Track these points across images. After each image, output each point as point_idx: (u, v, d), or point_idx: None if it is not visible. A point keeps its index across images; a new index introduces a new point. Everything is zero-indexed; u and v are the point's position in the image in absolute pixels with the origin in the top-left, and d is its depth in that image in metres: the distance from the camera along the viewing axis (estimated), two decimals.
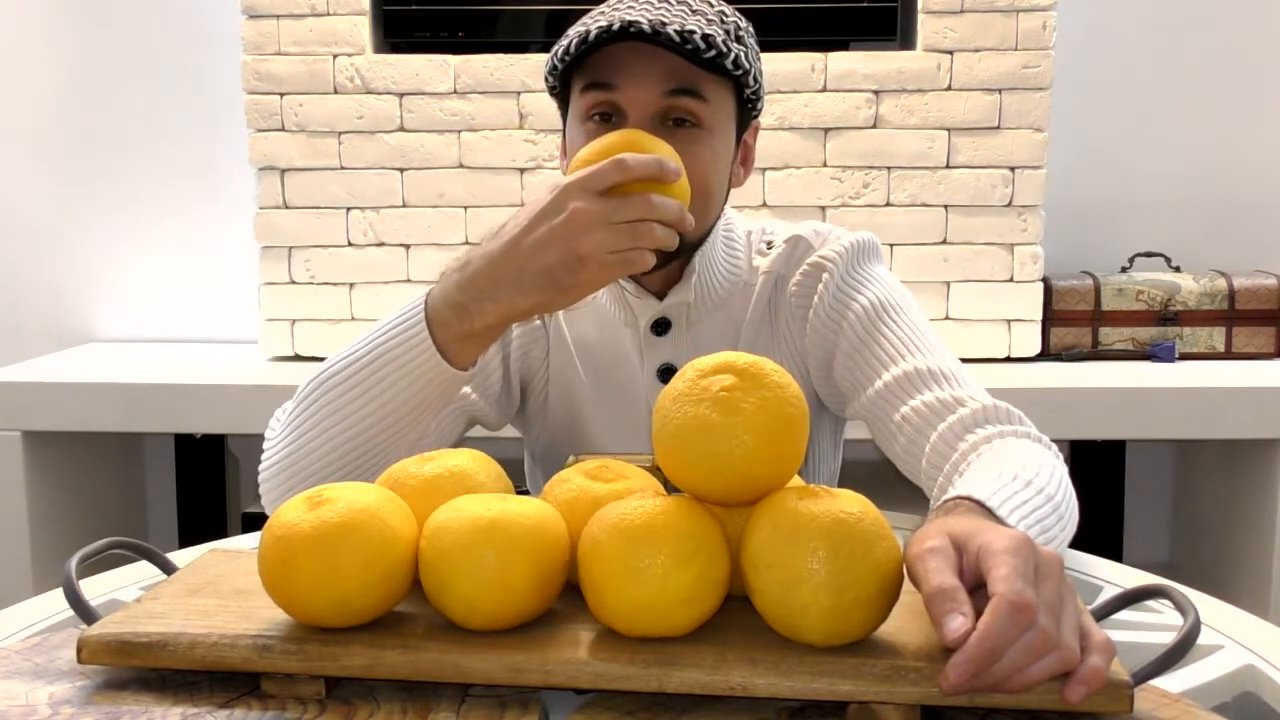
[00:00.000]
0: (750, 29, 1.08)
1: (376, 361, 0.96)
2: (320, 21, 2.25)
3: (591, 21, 1.02)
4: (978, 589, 0.62)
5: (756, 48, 1.08)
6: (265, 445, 1.05)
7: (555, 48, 1.05)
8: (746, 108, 1.09)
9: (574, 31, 1.03)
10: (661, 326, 1.14)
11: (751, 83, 1.06)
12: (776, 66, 2.19)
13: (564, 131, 1.12)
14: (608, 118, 1.04)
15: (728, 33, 1.03)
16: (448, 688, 0.67)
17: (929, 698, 0.61)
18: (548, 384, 1.18)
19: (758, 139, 1.15)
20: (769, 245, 1.16)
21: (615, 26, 0.98)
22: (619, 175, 0.87)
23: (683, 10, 1.02)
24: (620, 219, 0.87)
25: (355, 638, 0.67)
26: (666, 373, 1.13)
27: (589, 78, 1.04)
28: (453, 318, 0.94)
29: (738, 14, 1.07)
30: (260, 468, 1.04)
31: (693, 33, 0.99)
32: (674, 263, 1.10)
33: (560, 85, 1.08)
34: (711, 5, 1.05)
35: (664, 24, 0.98)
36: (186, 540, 2.50)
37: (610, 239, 0.87)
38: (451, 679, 0.66)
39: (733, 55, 1.02)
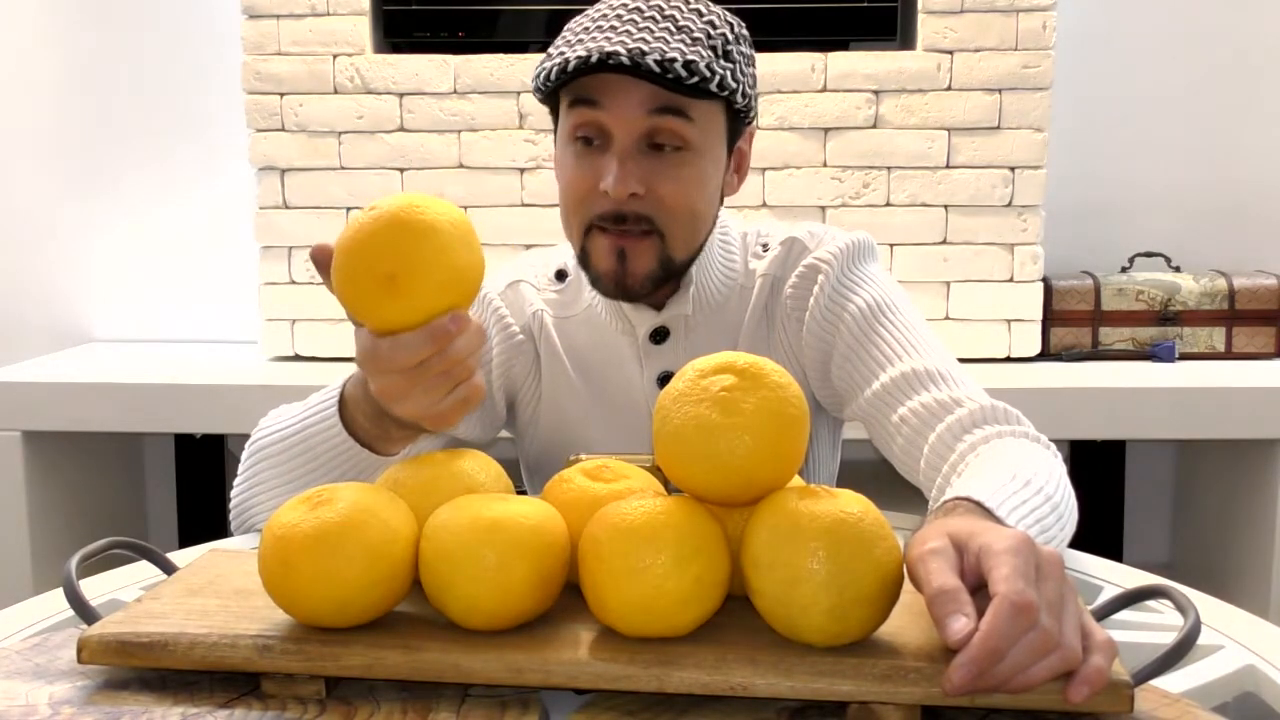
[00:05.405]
0: (743, 34, 1.05)
1: (304, 443, 0.96)
2: (320, 21, 2.25)
3: (576, 43, 1.00)
4: (979, 589, 0.62)
5: (750, 53, 1.06)
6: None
7: (543, 63, 1.04)
8: (739, 117, 1.07)
9: (556, 52, 1.01)
10: (660, 334, 1.13)
11: (741, 99, 1.04)
12: (776, 66, 2.19)
13: (555, 136, 1.11)
14: (590, 142, 1.04)
15: (714, 50, 1.00)
16: (448, 688, 0.67)
17: (929, 698, 0.61)
18: (539, 392, 1.17)
19: (754, 141, 1.14)
20: (764, 248, 1.16)
21: (594, 58, 0.97)
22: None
23: (666, 29, 1.00)
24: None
25: (355, 638, 0.67)
26: (667, 379, 1.12)
27: (575, 92, 1.03)
28: (370, 426, 0.91)
29: (730, 20, 1.04)
30: (230, 496, 1.05)
31: (673, 61, 0.97)
32: (669, 280, 1.09)
33: (549, 94, 1.06)
34: (701, 15, 1.02)
35: (644, 53, 0.96)
36: (186, 540, 2.50)
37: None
38: (451, 679, 0.66)
39: (718, 78, 1.00)
